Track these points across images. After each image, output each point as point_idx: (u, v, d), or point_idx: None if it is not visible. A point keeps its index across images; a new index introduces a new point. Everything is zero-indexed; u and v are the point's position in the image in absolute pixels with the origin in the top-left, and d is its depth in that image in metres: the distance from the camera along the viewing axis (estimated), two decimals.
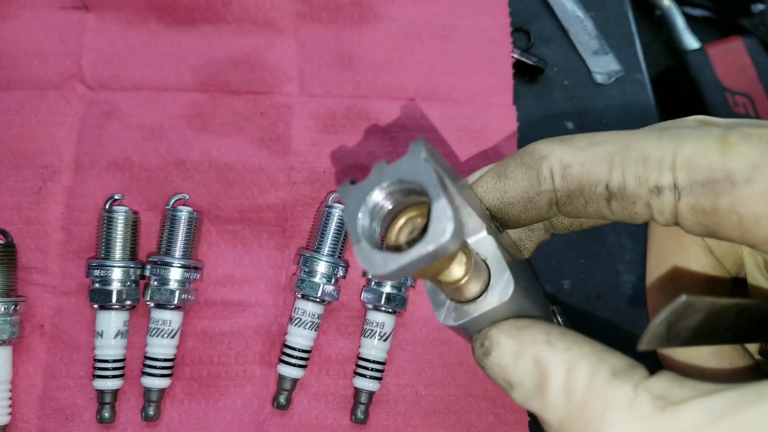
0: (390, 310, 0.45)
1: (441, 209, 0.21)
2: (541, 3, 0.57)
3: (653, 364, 0.24)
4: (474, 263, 0.25)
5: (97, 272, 0.43)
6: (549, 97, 0.55)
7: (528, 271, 0.33)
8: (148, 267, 0.44)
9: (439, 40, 0.52)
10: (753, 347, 0.33)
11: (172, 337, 0.44)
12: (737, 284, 0.33)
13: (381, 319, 0.45)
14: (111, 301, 0.43)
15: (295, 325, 0.45)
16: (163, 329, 0.44)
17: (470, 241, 0.26)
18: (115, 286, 0.43)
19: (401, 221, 0.23)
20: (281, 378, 0.45)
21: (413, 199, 0.23)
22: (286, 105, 0.50)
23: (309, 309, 0.45)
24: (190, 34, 0.51)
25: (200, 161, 0.48)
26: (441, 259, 0.22)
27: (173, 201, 0.46)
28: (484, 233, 0.26)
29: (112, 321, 0.44)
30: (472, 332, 0.27)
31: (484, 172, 0.31)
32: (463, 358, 0.47)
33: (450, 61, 0.52)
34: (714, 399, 0.21)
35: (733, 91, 0.59)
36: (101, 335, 0.44)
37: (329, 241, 0.45)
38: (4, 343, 0.42)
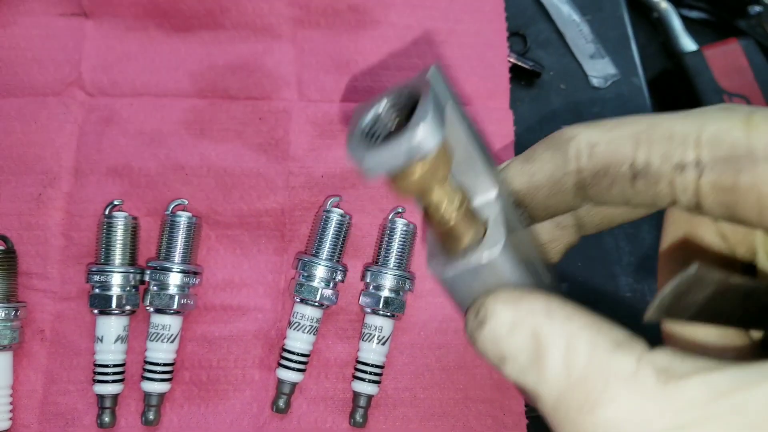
0: (388, 314, 0.45)
1: (422, 105, 0.22)
2: (537, 7, 0.58)
3: (653, 341, 0.24)
4: (467, 209, 0.25)
5: (96, 277, 0.44)
6: (546, 101, 0.55)
7: (534, 250, 0.33)
8: (148, 272, 0.44)
9: (435, 45, 0.53)
10: (756, 335, 0.33)
11: (172, 341, 0.44)
12: (748, 271, 0.34)
13: (379, 323, 0.45)
14: (111, 307, 0.43)
15: (294, 329, 0.45)
16: (162, 334, 0.44)
17: (477, 199, 0.27)
18: (115, 291, 0.44)
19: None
20: (280, 382, 0.45)
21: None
22: (284, 110, 0.50)
23: (308, 313, 0.45)
24: (188, 41, 0.51)
25: (199, 167, 0.48)
26: (418, 159, 0.22)
27: (172, 206, 0.46)
28: (493, 194, 0.27)
29: (112, 326, 0.44)
30: (466, 304, 0.27)
31: (511, 160, 0.31)
32: (462, 361, 0.47)
33: (447, 66, 0.52)
34: (718, 375, 0.21)
35: (731, 93, 0.59)
36: (101, 340, 0.44)
37: (328, 245, 0.46)
38: (4, 348, 0.43)
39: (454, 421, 0.46)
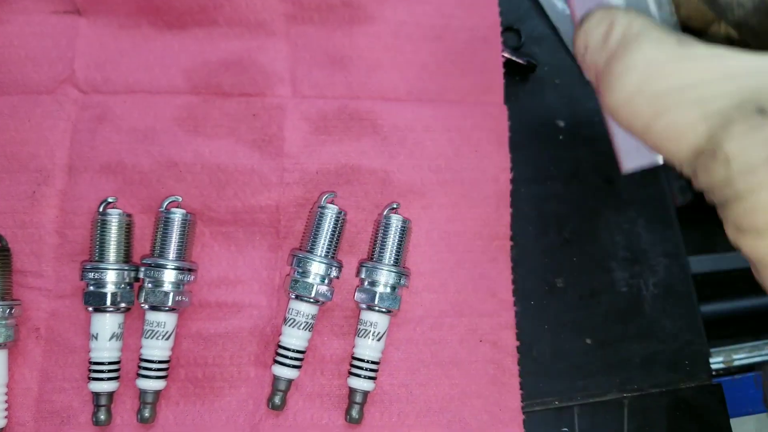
0: (383, 310, 0.45)
1: None
2: (532, 2, 0.58)
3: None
4: None
5: (91, 275, 0.44)
6: (540, 96, 0.55)
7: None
8: (142, 269, 0.44)
9: (430, 40, 0.52)
10: None
11: (167, 338, 0.44)
12: None
13: (375, 319, 0.45)
14: (105, 304, 0.43)
15: (290, 326, 0.45)
16: (157, 331, 0.44)
17: None
18: (110, 288, 0.44)
19: None
20: (276, 379, 0.45)
21: None
22: (278, 107, 0.50)
23: (303, 309, 0.45)
24: (181, 38, 0.51)
25: (193, 163, 0.48)
26: None
27: (166, 203, 0.46)
28: None
29: (106, 323, 0.44)
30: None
31: None
32: (457, 357, 0.47)
33: (441, 62, 0.52)
34: (728, 55, 0.28)
35: None
36: (96, 338, 0.44)
37: (323, 241, 0.46)
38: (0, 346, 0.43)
39: (450, 417, 0.46)
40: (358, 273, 0.47)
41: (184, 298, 0.44)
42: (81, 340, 0.45)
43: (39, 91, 0.49)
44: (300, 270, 0.45)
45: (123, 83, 0.50)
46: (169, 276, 0.44)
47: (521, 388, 0.47)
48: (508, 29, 0.55)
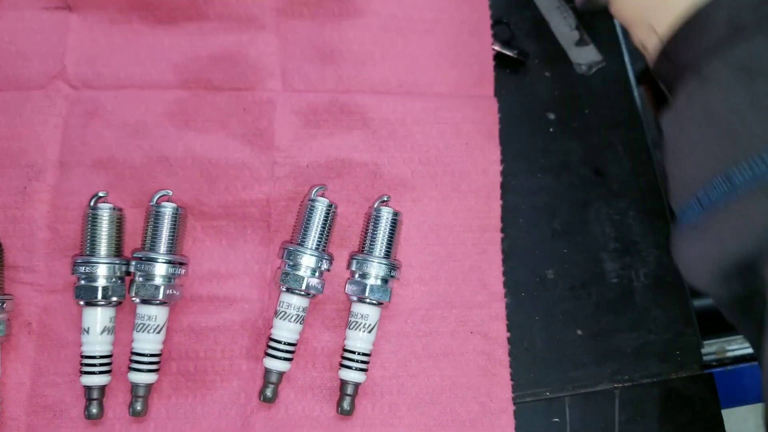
0: (374, 302, 0.45)
1: None
2: None
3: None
4: None
5: (82, 269, 0.44)
6: (530, 89, 0.55)
7: None
8: (133, 263, 0.45)
9: (420, 33, 0.53)
10: None
11: (158, 332, 0.44)
12: None
13: (366, 311, 0.46)
14: (97, 298, 0.43)
15: (281, 319, 0.45)
16: (149, 325, 0.44)
17: None
18: (101, 282, 0.44)
19: None
20: (267, 371, 0.45)
21: None
22: (268, 101, 0.50)
23: (294, 302, 0.45)
24: (172, 32, 0.51)
25: (184, 158, 0.48)
26: None
27: (157, 197, 0.46)
28: None
29: (98, 317, 0.44)
30: None
31: None
32: (448, 348, 0.47)
33: (431, 55, 0.52)
34: None
35: None
36: (87, 332, 0.44)
37: (313, 234, 0.46)
38: None
39: (441, 408, 0.46)
40: (348, 265, 0.47)
41: (175, 292, 0.45)
42: (73, 334, 0.45)
43: (30, 86, 0.49)
44: (291, 263, 0.45)
45: (114, 78, 0.50)
46: (160, 270, 0.44)
47: (512, 379, 0.47)
48: (498, 22, 0.55)
